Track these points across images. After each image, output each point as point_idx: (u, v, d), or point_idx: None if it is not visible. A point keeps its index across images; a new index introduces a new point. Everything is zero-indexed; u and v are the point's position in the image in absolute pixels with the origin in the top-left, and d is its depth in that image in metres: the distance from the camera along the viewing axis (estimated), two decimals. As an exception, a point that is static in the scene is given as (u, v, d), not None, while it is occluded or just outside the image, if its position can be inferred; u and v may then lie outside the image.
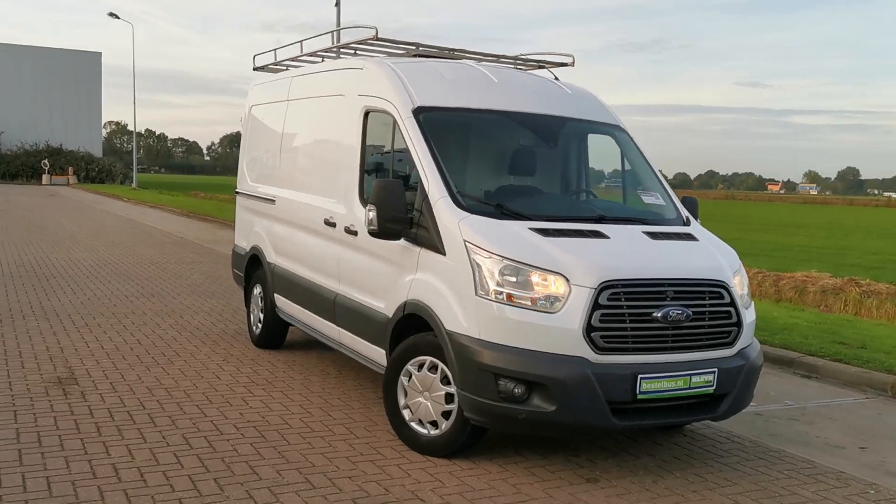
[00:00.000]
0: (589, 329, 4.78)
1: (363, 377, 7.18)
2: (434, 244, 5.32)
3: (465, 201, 5.39)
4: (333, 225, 6.55)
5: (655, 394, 4.89)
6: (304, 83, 7.71)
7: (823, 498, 4.97)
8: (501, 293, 4.89)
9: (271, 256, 7.92)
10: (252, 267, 8.50)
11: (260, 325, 8.18)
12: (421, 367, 5.38)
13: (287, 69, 8.50)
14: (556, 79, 7.02)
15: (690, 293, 5.09)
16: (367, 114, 6.33)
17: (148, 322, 9.19)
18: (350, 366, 7.53)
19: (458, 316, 5.04)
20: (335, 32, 7.45)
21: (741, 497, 4.92)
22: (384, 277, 5.84)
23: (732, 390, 5.19)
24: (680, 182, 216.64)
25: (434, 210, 5.37)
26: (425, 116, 5.86)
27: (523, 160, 6.50)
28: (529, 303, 4.84)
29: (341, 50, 7.50)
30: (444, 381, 5.25)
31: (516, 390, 4.80)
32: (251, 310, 8.49)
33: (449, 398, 5.23)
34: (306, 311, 7.18)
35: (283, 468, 4.97)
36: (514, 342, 4.82)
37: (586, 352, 4.76)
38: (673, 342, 4.98)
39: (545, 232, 5.21)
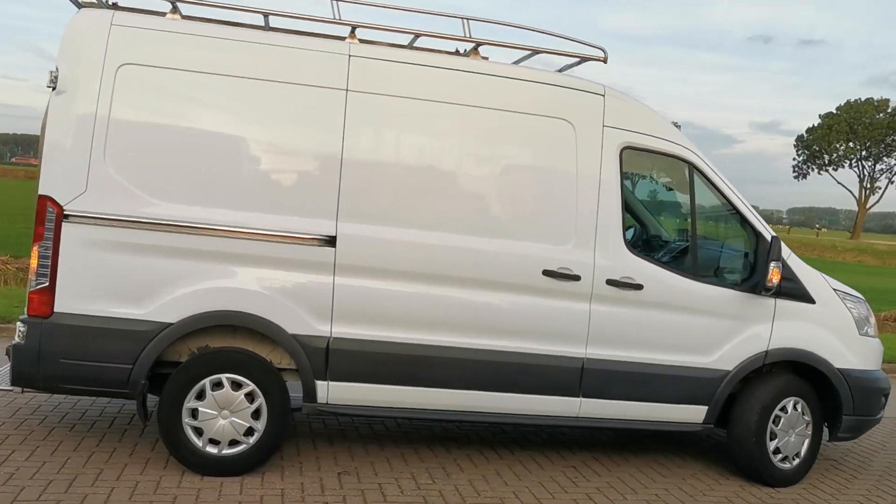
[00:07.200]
0: None
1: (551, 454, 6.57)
2: (802, 294, 6.20)
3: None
4: (573, 277, 5.66)
5: None
6: (423, 77, 5.54)
7: None
8: (870, 329, 6.47)
9: (315, 328, 5.38)
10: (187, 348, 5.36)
11: (257, 436, 5.32)
12: (784, 407, 6.17)
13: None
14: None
15: None
16: (623, 150, 5.83)
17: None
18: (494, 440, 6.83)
19: (845, 355, 6.25)
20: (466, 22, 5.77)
21: None
22: (712, 332, 5.95)
23: None
24: None
25: (789, 263, 6.17)
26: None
27: None
28: (875, 332, 6.57)
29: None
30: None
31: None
32: (191, 422, 5.21)
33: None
34: (454, 392, 5.60)
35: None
36: (878, 366, 6.49)
37: None
38: None
39: None
